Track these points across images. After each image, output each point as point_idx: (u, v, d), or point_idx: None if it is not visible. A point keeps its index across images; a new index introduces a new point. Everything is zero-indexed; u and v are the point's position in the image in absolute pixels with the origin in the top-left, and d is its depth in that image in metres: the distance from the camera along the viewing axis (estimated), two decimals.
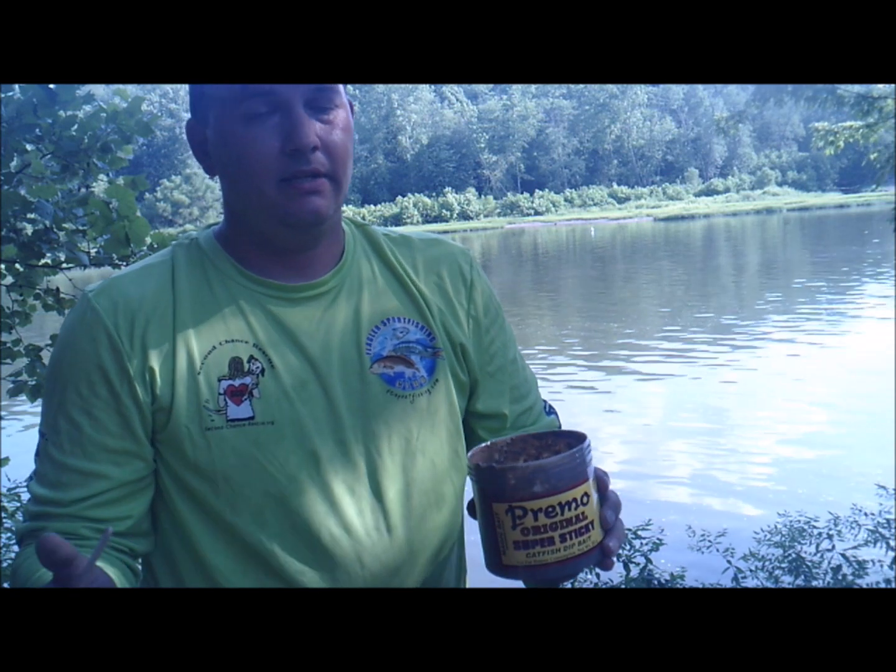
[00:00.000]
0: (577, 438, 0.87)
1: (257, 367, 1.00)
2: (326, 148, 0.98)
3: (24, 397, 2.72)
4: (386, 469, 1.03)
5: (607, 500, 0.88)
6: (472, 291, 1.13)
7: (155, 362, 0.98)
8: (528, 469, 0.80)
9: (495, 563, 0.83)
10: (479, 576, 1.03)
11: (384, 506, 1.02)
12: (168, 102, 78.96)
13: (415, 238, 1.16)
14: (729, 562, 3.57)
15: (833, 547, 3.65)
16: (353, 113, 1.09)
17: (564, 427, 1.22)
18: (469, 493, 0.91)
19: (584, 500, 0.82)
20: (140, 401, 0.98)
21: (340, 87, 1.01)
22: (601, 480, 0.87)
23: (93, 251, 2.68)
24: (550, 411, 1.23)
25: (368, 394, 1.03)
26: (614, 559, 0.87)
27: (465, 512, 1.14)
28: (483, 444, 0.91)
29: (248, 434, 0.98)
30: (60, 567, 0.76)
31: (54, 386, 1.01)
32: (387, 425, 1.04)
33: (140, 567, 1.05)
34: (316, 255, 1.06)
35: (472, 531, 0.94)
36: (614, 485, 0.90)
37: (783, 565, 3.56)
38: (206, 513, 1.00)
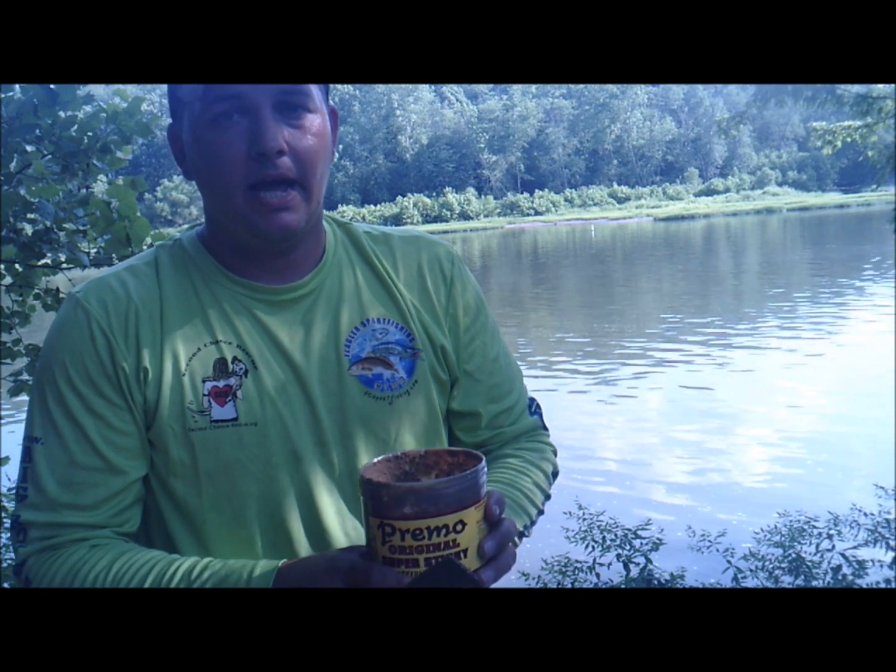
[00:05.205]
0: (476, 461, 0.84)
1: (241, 369, 1.01)
2: (295, 153, 0.96)
3: (24, 396, 2.72)
4: None
5: (496, 530, 0.83)
6: (452, 289, 1.12)
7: (147, 362, 0.99)
8: (400, 489, 0.79)
9: None
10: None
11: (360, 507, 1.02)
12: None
13: (395, 235, 1.15)
14: (729, 562, 3.56)
15: (833, 547, 3.64)
16: (336, 120, 1.07)
17: (553, 428, 1.22)
18: None
19: (458, 527, 0.79)
20: (136, 399, 0.99)
21: (314, 91, 0.99)
22: (489, 509, 0.82)
23: (93, 251, 2.68)
24: (535, 411, 1.20)
25: (346, 396, 1.04)
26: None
27: None
28: (392, 454, 0.90)
29: (231, 435, 0.99)
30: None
31: (47, 388, 0.99)
32: (364, 427, 1.04)
33: None
34: (295, 258, 1.05)
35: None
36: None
37: (783, 565, 3.56)
38: (185, 515, 1.01)
